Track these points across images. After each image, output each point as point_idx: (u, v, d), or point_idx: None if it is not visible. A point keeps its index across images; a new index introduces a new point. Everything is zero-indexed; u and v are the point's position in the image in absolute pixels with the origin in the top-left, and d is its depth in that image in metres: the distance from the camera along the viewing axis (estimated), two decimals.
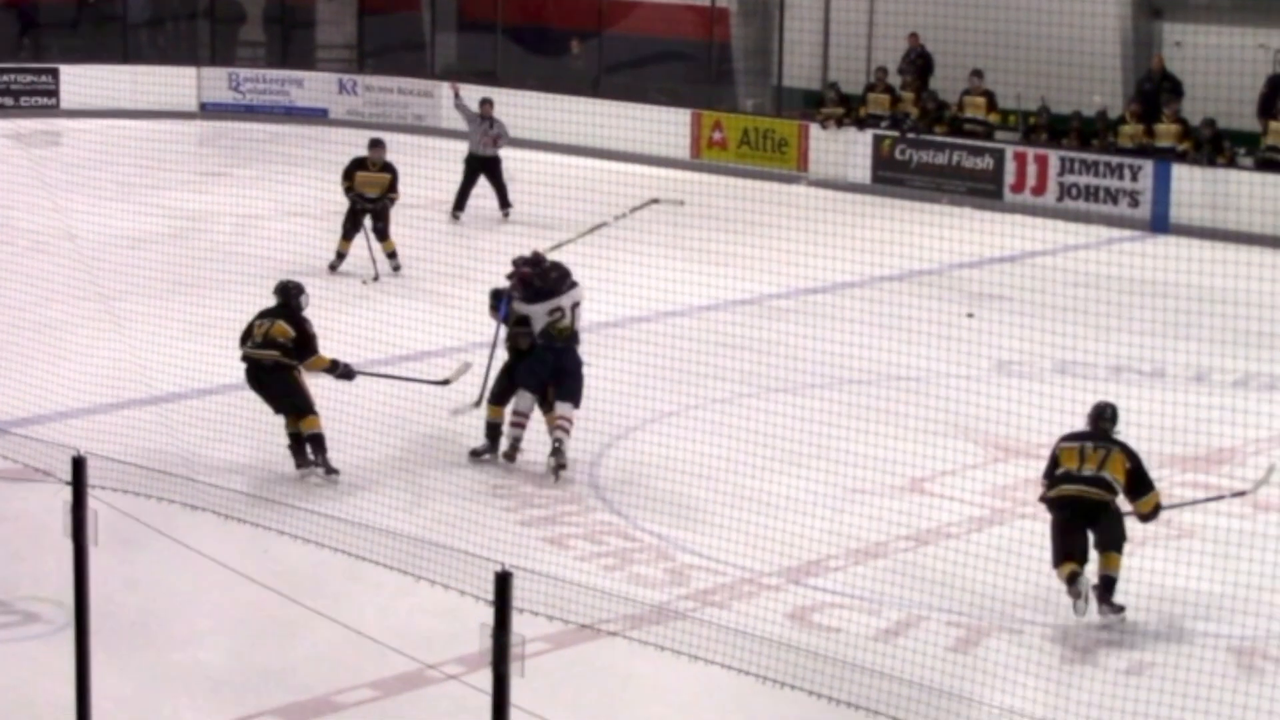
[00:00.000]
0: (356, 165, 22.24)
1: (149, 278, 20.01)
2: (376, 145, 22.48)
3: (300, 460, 14.57)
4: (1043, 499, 12.23)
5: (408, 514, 13.27)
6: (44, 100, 34.13)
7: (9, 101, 33.96)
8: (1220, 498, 13.63)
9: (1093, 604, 11.84)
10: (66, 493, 8.75)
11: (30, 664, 11.10)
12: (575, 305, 14.96)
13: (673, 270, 18.05)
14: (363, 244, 21.95)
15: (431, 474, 14.51)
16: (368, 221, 22.05)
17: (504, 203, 25.69)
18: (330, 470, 14.49)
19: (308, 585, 11.57)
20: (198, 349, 16.75)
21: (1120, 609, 11.90)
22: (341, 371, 14.97)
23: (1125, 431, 12.55)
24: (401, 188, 22.16)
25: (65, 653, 9.28)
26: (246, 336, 14.74)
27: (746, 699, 10.22)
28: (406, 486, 14.20)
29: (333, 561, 10.79)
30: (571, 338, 14.89)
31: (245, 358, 14.71)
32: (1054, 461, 12.23)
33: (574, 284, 15.02)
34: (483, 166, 25.79)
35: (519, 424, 14.89)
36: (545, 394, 14.88)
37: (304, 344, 14.66)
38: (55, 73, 34.33)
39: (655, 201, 18.80)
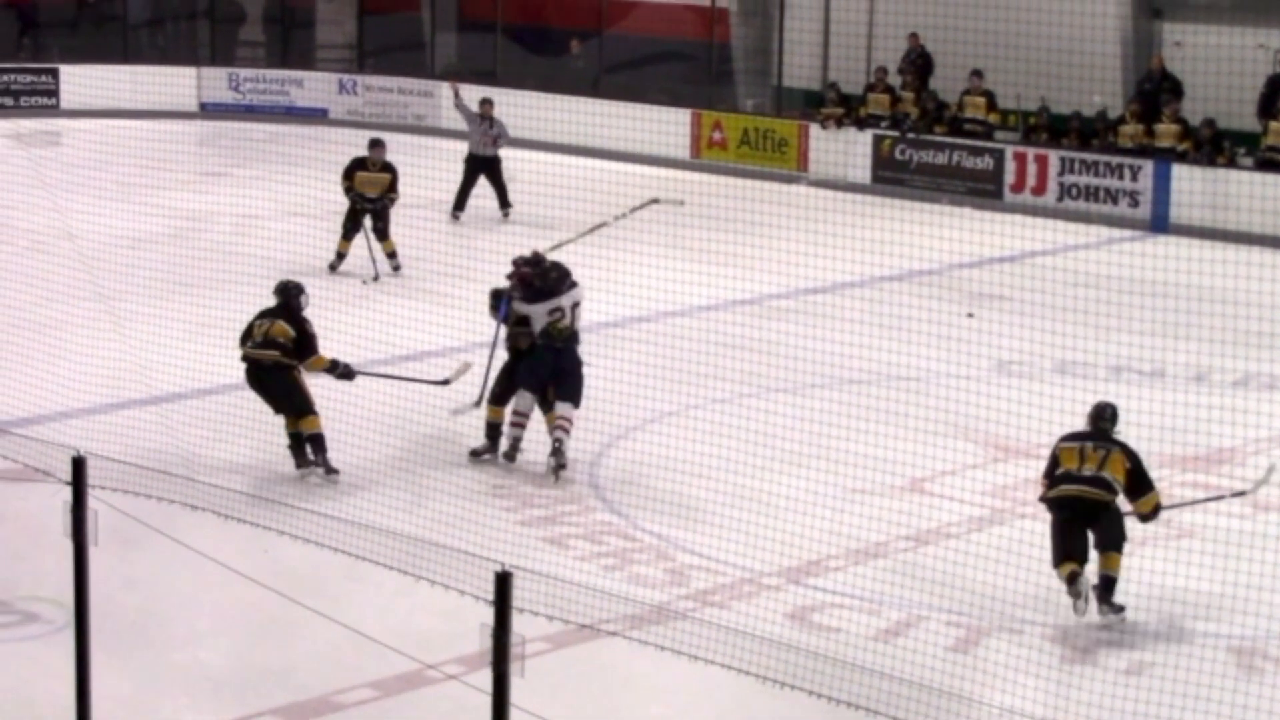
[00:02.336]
0: (357, 165, 22.26)
1: (149, 278, 20.00)
2: (376, 145, 22.50)
3: (300, 460, 14.58)
4: (1043, 499, 12.23)
5: (407, 514, 13.26)
6: (44, 100, 34.13)
7: (9, 101, 33.95)
8: (1220, 497, 13.62)
9: (1093, 604, 11.85)
10: (66, 493, 8.75)
11: (30, 664, 11.09)
12: (575, 305, 14.96)
13: (673, 270, 18.03)
14: (363, 244, 21.98)
15: (431, 474, 14.51)
16: (368, 221, 22.06)
17: (504, 203, 25.75)
18: (330, 470, 14.50)
19: (307, 585, 11.56)
20: (197, 349, 16.75)
21: (1120, 609, 11.91)
22: (341, 371, 14.98)
23: (1125, 431, 12.55)
24: (401, 188, 22.18)
25: (65, 653, 9.29)
26: (247, 336, 14.75)
27: (746, 699, 10.22)
28: (406, 486, 14.19)
29: (332, 561, 10.79)
30: (571, 337, 14.90)
31: (245, 358, 14.71)
32: (1054, 461, 12.23)
33: (574, 284, 15.03)
34: (483, 166, 25.83)
35: (519, 424, 14.89)
36: (545, 394, 14.89)
37: (304, 344, 14.66)
38: (55, 73, 34.34)
39: (655, 201, 18.76)
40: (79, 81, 32.92)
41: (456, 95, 26.99)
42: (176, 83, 33.63)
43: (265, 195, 24.79)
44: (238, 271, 20.09)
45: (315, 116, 34.15)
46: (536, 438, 14.92)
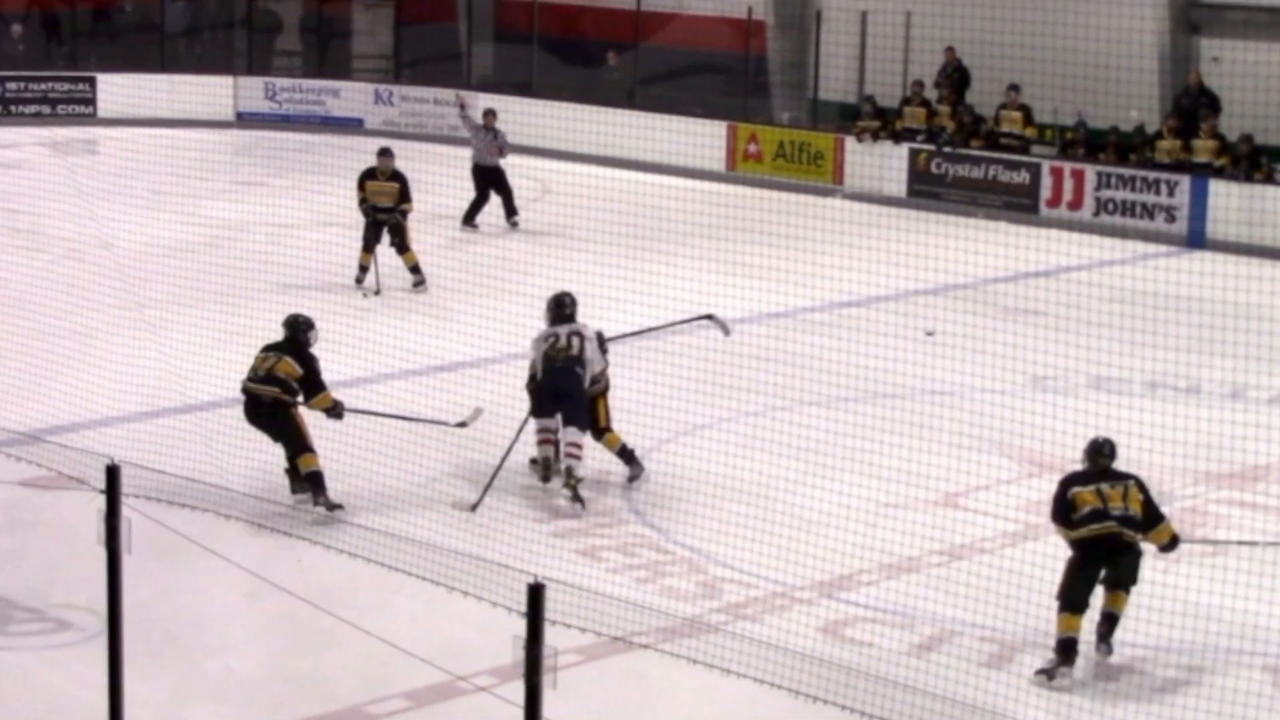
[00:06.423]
0: (366, 175, 22.06)
1: (184, 286, 20.04)
2: (385, 154, 22.24)
3: (296, 485, 14.16)
4: (1076, 540, 11.54)
5: (441, 526, 13.26)
6: (81, 108, 34.23)
7: (46, 110, 34.07)
8: (1241, 543, 13.34)
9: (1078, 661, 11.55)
10: (100, 501, 8.76)
11: (63, 671, 11.11)
12: (574, 335, 14.65)
13: (707, 283, 18.03)
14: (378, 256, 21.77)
15: (464, 486, 14.50)
16: (385, 235, 21.82)
17: (510, 211, 25.73)
18: (332, 506, 13.91)
19: (340, 596, 11.58)
20: (232, 358, 16.73)
21: (1110, 651, 11.53)
22: (338, 413, 14.50)
23: (1161, 448, 12.49)
24: (415, 196, 21.95)
25: (98, 660, 9.30)
26: (252, 368, 14.36)
27: (779, 713, 10.19)
28: (439, 498, 14.18)
29: (365, 572, 10.81)
30: (570, 359, 14.56)
31: (245, 391, 14.28)
32: (1069, 505, 11.59)
33: (574, 325, 14.74)
34: (489, 176, 25.84)
35: (546, 440, 14.65)
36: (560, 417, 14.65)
37: (311, 382, 14.26)
38: (92, 81, 34.43)
39: (710, 317, 17.62)
40: (116, 90, 33.06)
41: (462, 106, 27.13)
42: (213, 92, 33.75)
43: (300, 205, 24.85)
44: (272, 281, 20.13)
45: (351, 126, 34.20)
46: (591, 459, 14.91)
